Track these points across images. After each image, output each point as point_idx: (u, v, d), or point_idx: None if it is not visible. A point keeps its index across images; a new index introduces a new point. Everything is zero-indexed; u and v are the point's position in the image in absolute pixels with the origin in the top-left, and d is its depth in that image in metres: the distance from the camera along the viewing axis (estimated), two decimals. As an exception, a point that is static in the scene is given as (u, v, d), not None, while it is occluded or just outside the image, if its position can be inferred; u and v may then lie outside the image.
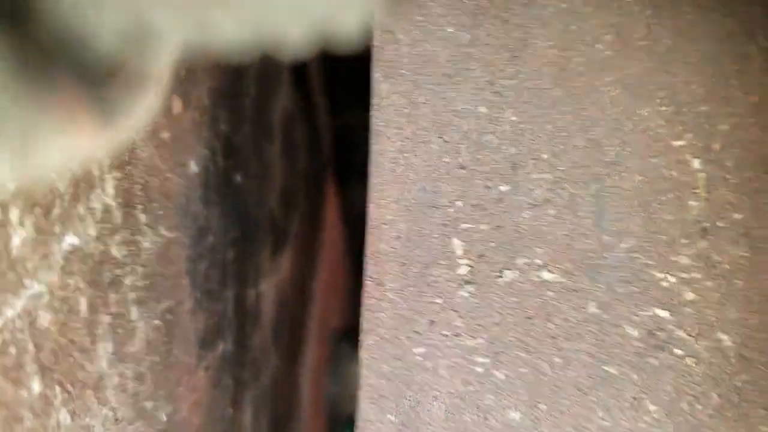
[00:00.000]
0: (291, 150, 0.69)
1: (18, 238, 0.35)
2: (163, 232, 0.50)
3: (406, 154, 0.54)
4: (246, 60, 0.60)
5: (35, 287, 0.36)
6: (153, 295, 0.52)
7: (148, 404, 0.54)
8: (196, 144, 0.52)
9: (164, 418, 0.56)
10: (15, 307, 0.35)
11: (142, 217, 0.48)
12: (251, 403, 0.60)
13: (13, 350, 0.35)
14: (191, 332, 0.56)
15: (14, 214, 0.34)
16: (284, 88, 0.66)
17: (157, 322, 0.52)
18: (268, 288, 0.64)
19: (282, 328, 0.65)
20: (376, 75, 0.55)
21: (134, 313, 0.51)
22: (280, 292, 0.65)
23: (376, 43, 0.55)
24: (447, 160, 0.53)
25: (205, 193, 0.56)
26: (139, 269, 0.50)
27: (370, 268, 0.55)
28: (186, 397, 0.56)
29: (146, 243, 0.49)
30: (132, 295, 0.48)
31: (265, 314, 0.62)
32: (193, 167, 0.52)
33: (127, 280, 0.48)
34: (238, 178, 0.62)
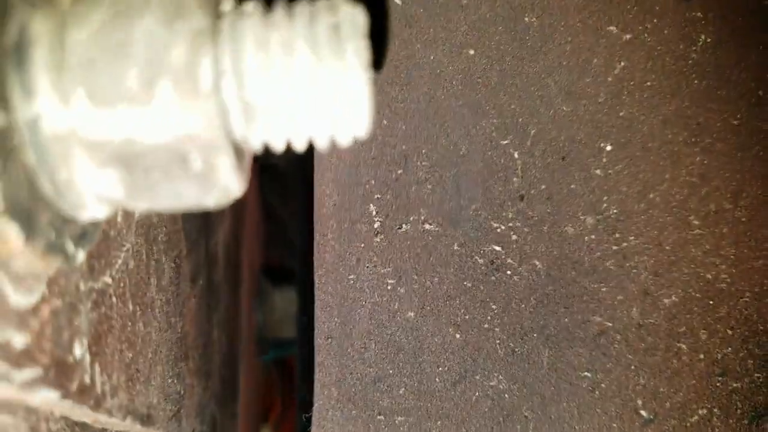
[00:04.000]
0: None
1: None
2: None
3: (337, 150, 0.84)
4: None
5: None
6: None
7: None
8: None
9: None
10: None
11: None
12: (217, 324, 0.88)
13: None
14: (187, 270, 0.83)
15: None
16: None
17: (172, 264, 0.80)
18: (220, 237, 0.93)
19: (228, 268, 0.93)
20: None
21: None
22: (225, 240, 0.93)
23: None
24: (364, 154, 0.85)
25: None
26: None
27: (317, 227, 0.85)
28: (186, 315, 0.84)
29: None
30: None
31: (220, 258, 0.91)
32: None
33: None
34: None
